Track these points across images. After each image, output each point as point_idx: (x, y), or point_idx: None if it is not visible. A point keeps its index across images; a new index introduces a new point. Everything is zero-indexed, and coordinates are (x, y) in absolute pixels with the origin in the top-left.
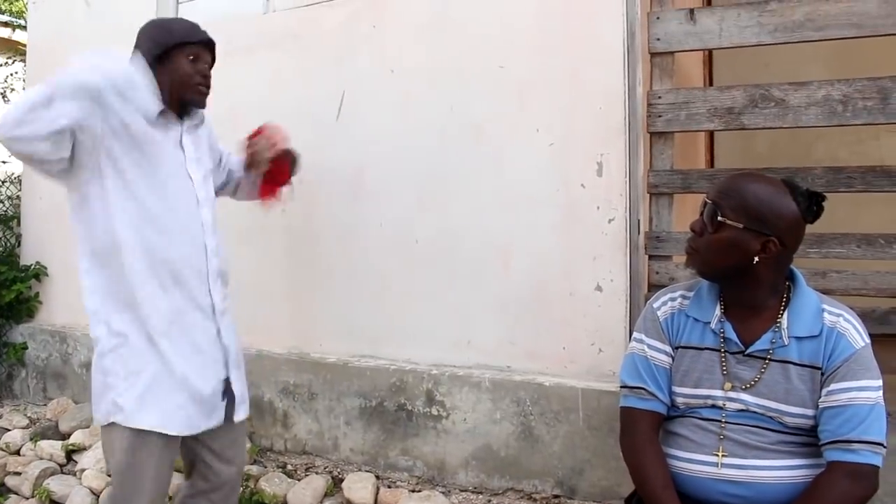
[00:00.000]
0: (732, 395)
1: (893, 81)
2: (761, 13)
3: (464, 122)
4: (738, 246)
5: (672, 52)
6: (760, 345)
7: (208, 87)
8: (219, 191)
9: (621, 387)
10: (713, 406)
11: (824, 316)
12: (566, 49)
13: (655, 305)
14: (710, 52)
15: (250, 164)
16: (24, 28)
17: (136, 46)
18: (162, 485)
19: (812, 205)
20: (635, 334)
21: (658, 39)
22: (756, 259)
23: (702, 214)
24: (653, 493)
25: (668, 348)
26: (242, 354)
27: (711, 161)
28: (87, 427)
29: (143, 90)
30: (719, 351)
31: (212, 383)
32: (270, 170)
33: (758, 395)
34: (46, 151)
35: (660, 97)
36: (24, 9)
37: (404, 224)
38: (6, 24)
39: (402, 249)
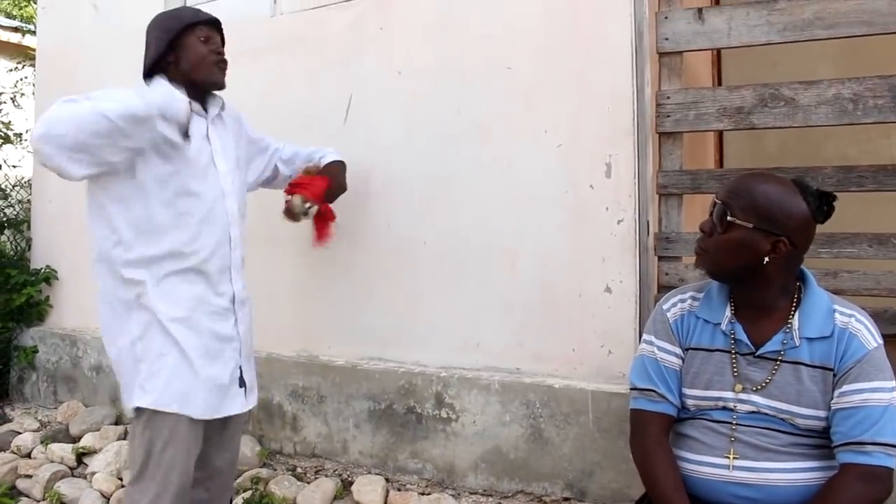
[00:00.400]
0: (743, 396)
1: None
2: (770, 12)
3: (471, 123)
4: (748, 246)
5: (680, 52)
6: (771, 346)
7: (225, 63)
8: (264, 183)
9: (631, 389)
10: (724, 408)
11: (836, 316)
12: (573, 49)
13: (665, 307)
14: (719, 51)
15: (287, 214)
16: (33, 33)
17: (147, 44)
18: (187, 474)
19: (822, 205)
20: (645, 336)
21: (666, 39)
22: (766, 259)
23: (711, 214)
24: (663, 495)
25: (677, 350)
26: (252, 346)
27: (721, 161)
28: (98, 430)
29: (180, 105)
30: (730, 352)
31: (229, 370)
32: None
33: (769, 396)
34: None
35: (668, 97)
36: (34, 14)
37: (412, 226)
38: (16, 30)
39: (410, 251)
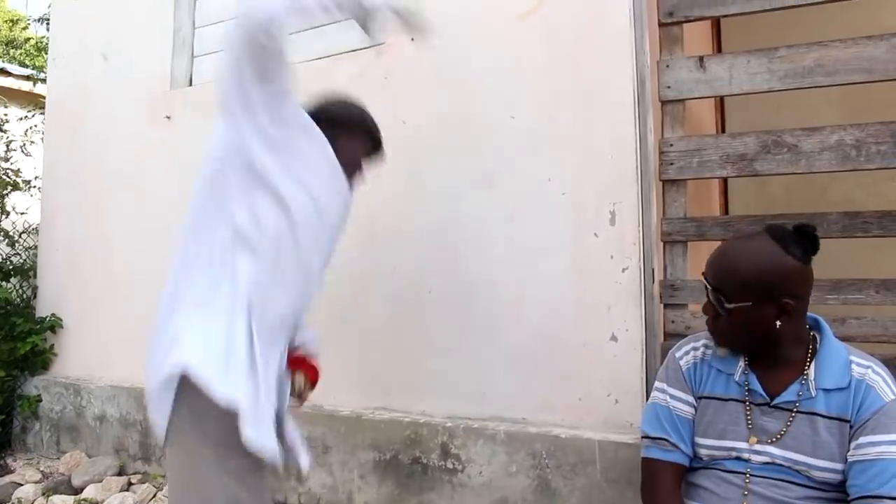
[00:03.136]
0: (758, 447)
1: None
2: (771, 59)
3: (475, 172)
4: (757, 320)
5: (682, 100)
6: (786, 396)
7: (354, 175)
8: None
9: (643, 437)
10: (738, 458)
11: (852, 367)
12: (576, 98)
13: (678, 355)
14: (722, 97)
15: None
16: (45, 81)
17: (328, 114)
18: None
19: (805, 243)
20: (657, 384)
21: (668, 87)
22: (778, 323)
23: (708, 298)
24: None
25: (690, 398)
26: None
27: (726, 206)
28: (100, 481)
29: None
30: (744, 402)
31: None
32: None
33: (784, 447)
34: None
35: (671, 145)
36: (44, 64)
37: (416, 275)
38: (28, 78)
39: (415, 300)
